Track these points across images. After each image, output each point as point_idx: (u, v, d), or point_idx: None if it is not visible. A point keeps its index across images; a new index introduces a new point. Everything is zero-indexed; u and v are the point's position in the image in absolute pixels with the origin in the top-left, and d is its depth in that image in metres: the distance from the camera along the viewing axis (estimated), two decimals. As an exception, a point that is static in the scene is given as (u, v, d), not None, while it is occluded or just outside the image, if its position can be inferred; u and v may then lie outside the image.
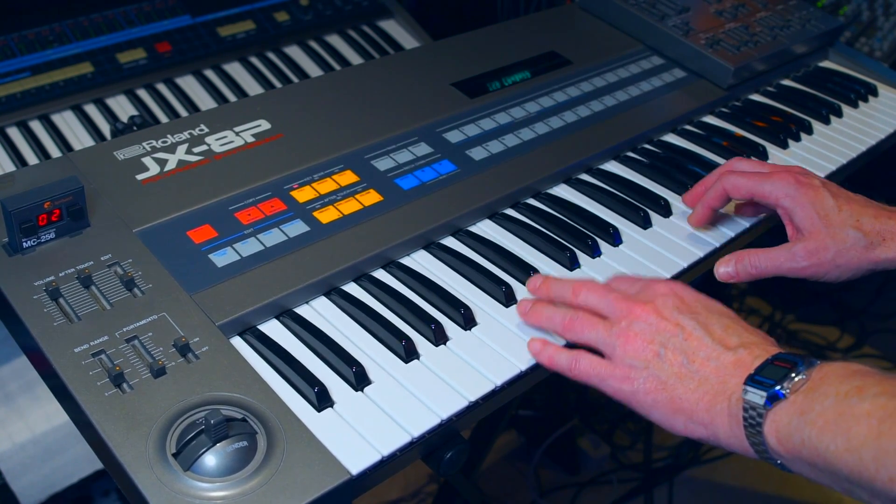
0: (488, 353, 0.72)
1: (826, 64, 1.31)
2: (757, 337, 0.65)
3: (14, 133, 1.13)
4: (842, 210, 0.81)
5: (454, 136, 0.94)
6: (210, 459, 0.57)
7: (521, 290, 0.79)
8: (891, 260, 0.81)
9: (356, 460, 0.60)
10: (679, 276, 0.85)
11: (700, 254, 0.87)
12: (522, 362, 0.71)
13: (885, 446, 0.52)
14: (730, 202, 0.88)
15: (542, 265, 0.82)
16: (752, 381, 0.60)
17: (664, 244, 0.87)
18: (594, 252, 0.84)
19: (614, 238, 0.86)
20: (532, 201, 0.91)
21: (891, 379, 0.56)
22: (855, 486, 0.55)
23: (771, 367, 0.60)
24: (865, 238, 0.80)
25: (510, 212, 0.89)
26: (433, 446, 0.66)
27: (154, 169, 0.82)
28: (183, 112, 1.20)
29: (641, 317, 0.66)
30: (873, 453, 0.52)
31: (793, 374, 0.59)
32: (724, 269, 0.83)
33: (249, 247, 0.75)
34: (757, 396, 0.59)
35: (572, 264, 0.82)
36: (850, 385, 0.56)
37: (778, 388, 0.58)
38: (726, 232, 0.90)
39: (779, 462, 0.60)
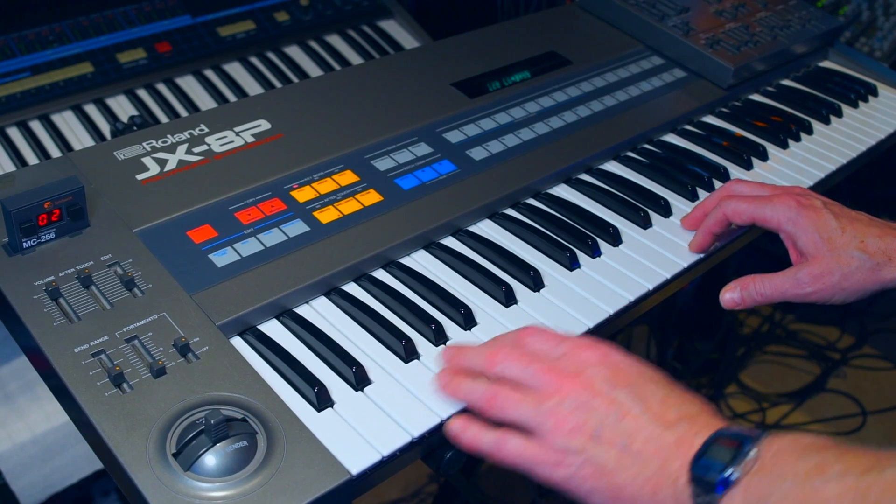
0: (488, 353, 0.72)
1: (826, 64, 1.31)
2: (697, 407, 0.59)
3: (14, 133, 1.13)
4: (845, 231, 0.79)
5: (454, 136, 0.94)
6: (210, 459, 0.57)
7: (521, 291, 0.79)
8: None
9: (356, 460, 0.60)
10: (679, 276, 0.85)
11: (701, 254, 0.87)
12: (522, 362, 0.71)
13: None
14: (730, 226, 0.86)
15: (542, 265, 0.82)
16: (698, 464, 0.54)
17: (664, 244, 0.87)
18: (594, 252, 0.84)
19: (614, 238, 0.86)
20: (532, 201, 0.91)
21: (850, 451, 0.51)
22: None
23: (715, 446, 0.55)
24: (871, 259, 0.79)
25: (510, 212, 0.89)
26: (433, 446, 0.66)
27: (154, 169, 0.82)
28: (183, 112, 1.20)
29: (572, 393, 0.59)
30: None
31: (741, 454, 0.53)
32: (729, 296, 0.82)
33: (249, 247, 0.75)
34: (705, 482, 0.53)
35: (572, 264, 0.82)
36: (809, 463, 0.51)
37: (728, 472, 0.53)
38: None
39: None
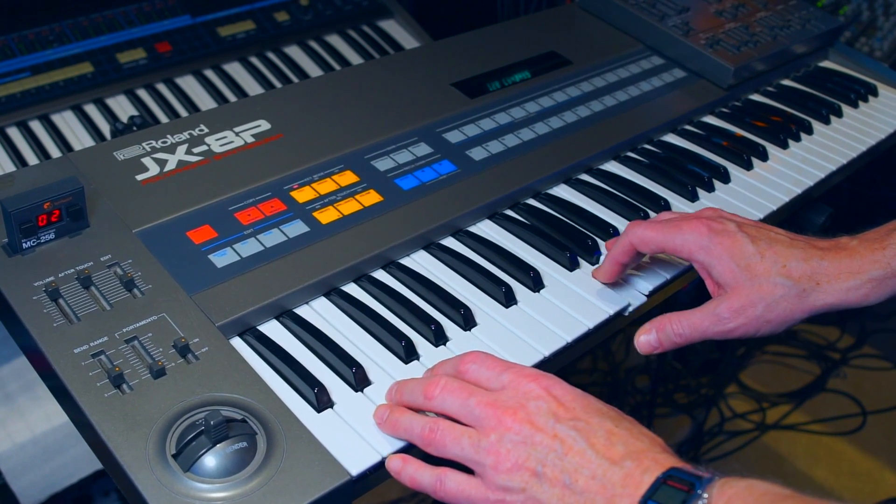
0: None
1: (826, 64, 1.31)
2: (644, 443, 0.56)
3: (14, 133, 1.13)
4: (764, 256, 0.72)
5: (454, 137, 0.94)
6: (210, 460, 0.57)
7: (520, 291, 0.79)
8: (829, 305, 0.73)
9: (356, 461, 0.60)
10: (680, 276, 0.85)
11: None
12: (522, 363, 0.71)
13: None
14: (644, 256, 0.80)
15: (542, 265, 0.82)
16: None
17: (664, 244, 0.87)
18: (594, 252, 0.84)
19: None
20: (532, 201, 0.91)
21: (804, 500, 0.50)
22: None
23: (665, 487, 0.52)
24: (796, 285, 0.71)
25: (510, 212, 0.89)
26: (433, 447, 0.66)
27: (154, 169, 0.82)
28: (183, 112, 1.20)
29: (513, 428, 0.57)
30: None
31: (691, 498, 0.51)
32: (644, 339, 0.74)
33: (249, 247, 0.75)
34: None
35: (572, 264, 0.82)
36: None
37: None
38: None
39: None
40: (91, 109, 1.18)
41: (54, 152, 1.11)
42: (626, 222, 0.90)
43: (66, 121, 1.16)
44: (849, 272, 0.73)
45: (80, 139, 1.14)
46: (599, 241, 0.86)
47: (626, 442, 0.56)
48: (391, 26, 1.44)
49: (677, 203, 0.94)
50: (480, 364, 0.62)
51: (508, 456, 0.56)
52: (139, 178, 0.80)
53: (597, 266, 0.82)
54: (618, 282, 0.81)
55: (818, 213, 1.06)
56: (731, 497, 0.51)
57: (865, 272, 0.72)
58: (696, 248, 0.74)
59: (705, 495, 0.51)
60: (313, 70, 1.32)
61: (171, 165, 0.82)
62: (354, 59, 1.36)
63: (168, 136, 0.86)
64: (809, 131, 1.12)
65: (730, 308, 0.72)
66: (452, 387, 0.61)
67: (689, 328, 0.73)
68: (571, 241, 0.85)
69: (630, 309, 0.80)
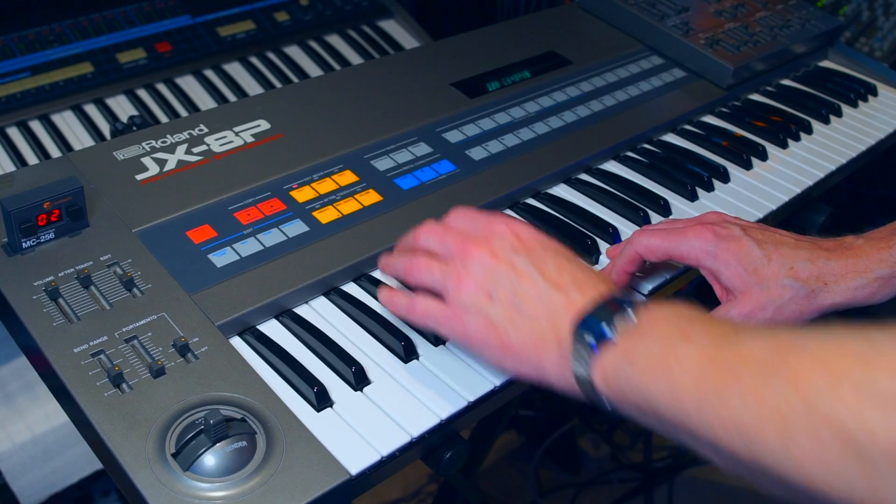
0: (488, 353, 0.72)
1: (826, 64, 1.31)
2: (590, 277, 0.63)
3: (14, 133, 1.13)
4: (772, 259, 0.73)
5: (454, 136, 0.94)
6: (209, 459, 0.57)
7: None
8: (837, 304, 0.74)
9: (356, 460, 0.60)
10: (680, 276, 0.85)
11: None
12: (522, 362, 0.71)
13: (704, 391, 0.51)
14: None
15: (542, 265, 0.82)
16: (581, 323, 0.58)
17: (664, 244, 0.87)
18: (593, 252, 0.84)
19: (614, 238, 0.86)
20: (531, 201, 0.91)
21: (717, 324, 0.54)
22: (679, 431, 0.53)
23: (601, 309, 0.59)
24: (805, 286, 0.72)
25: (509, 211, 0.89)
26: (433, 446, 0.66)
27: (154, 169, 0.82)
28: (183, 112, 1.20)
29: (476, 257, 0.64)
30: (693, 398, 0.51)
31: (621, 316, 0.57)
32: None
33: (249, 247, 0.75)
34: (584, 338, 0.58)
35: (572, 264, 0.82)
36: (677, 328, 0.55)
37: (605, 329, 0.57)
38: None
39: (609, 406, 0.58)
40: (91, 109, 1.18)
41: (54, 152, 1.11)
42: (626, 222, 0.90)
43: (66, 121, 1.16)
44: (855, 271, 0.74)
45: (80, 139, 1.14)
46: (599, 240, 0.86)
47: (574, 274, 0.63)
48: (391, 26, 1.44)
49: (677, 203, 0.94)
50: (461, 213, 0.70)
51: (468, 279, 0.64)
52: (139, 177, 0.81)
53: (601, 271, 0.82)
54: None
55: (818, 213, 1.06)
56: (656, 316, 0.57)
57: (872, 271, 0.74)
58: (704, 254, 0.75)
59: (634, 315, 0.57)
60: (313, 70, 1.32)
61: (170, 165, 0.83)
62: (354, 59, 1.36)
63: (168, 136, 0.86)
64: (809, 131, 1.12)
65: (740, 313, 0.73)
66: (435, 228, 0.69)
67: None
68: (571, 240, 0.85)
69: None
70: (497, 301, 0.62)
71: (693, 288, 0.87)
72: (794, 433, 0.46)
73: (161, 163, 0.83)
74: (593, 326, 0.58)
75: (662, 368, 0.53)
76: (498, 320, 0.62)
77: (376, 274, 0.79)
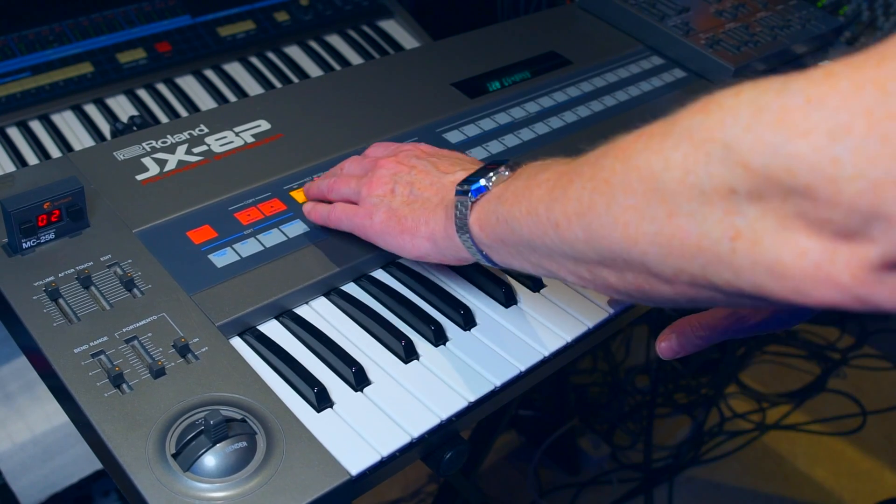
0: (488, 353, 0.72)
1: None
2: (478, 164, 0.71)
3: (14, 133, 1.13)
4: None
5: (454, 136, 0.94)
6: (209, 460, 0.57)
7: (520, 291, 0.79)
8: None
9: (356, 461, 0.60)
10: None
11: None
12: (522, 363, 0.71)
13: (554, 195, 0.55)
14: None
15: (542, 265, 0.82)
16: (462, 182, 0.65)
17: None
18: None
19: (614, 238, 0.86)
20: (532, 201, 0.91)
21: (577, 158, 0.58)
22: (538, 253, 0.58)
23: (480, 171, 0.66)
24: None
25: (510, 212, 0.89)
26: (433, 446, 0.66)
27: (154, 169, 0.82)
28: (183, 112, 1.20)
29: (384, 165, 0.74)
30: (545, 204, 0.56)
31: (497, 173, 0.64)
32: (665, 345, 0.74)
33: (249, 247, 0.75)
34: (463, 193, 0.65)
35: (572, 264, 0.82)
36: (542, 165, 0.61)
37: (482, 183, 0.64)
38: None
39: (483, 254, 0.65)
40: (91, 109, 1.18)
41: (54, 152, 1.11)
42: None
43: (66, 121, 1.16)
44: None
45: (80, 139, 1.14)
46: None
47: (465, 164, 0.73)
48: (391, 26, 1.44)
49: (677, 203, 0.94)
50: (378, 144, 0.82)
51: (376, 182, 0.73)
52: (139, 178, 0.81)
53: None
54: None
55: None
56: (526, 167, 0.63)
57: None
58: None
59: (507, 171, 0.64)
60: (313, 70, 1.32)
61: (171, 165, 0.83)
62: (354, 59, 1.36)
63: (168, 136, 0.86)
64: (809, 131, 1.12)
65: None
66: (354, 158, 0.80)
67: (710, 330, 0.72)
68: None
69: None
70: (398, 194, 0.72)
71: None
72: (615, 193, 0.50)
73: (161, 163, 0.83)
74: (472, 183, 0.65)
75: (525, 193, 0.59)
76: (397, 207, 0.71)
77: (377, 274, 0.79)
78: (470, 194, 0.64)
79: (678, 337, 0.73)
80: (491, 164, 0.66)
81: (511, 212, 0.60)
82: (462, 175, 0.69)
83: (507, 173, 0.64)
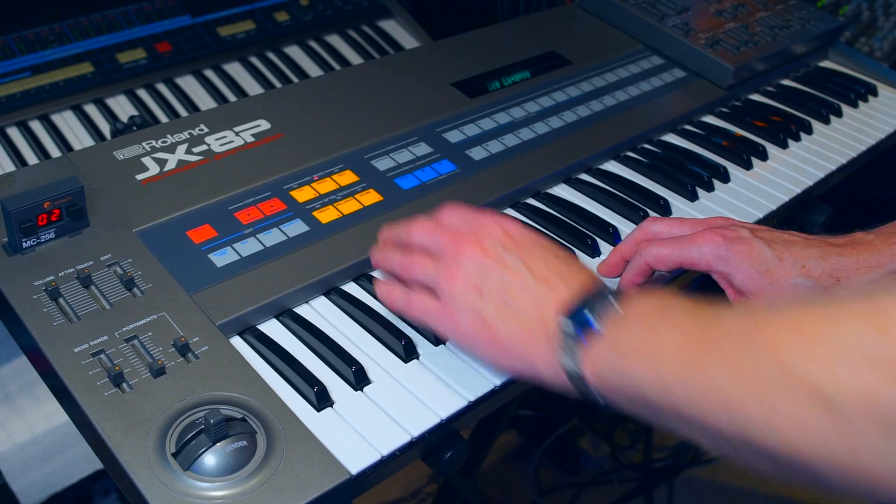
0: (488, 352, 0.72)
1: (826, 64, 1.31)
2: (575, 271, 0.64)
3: (14, 133, 1.13)
4: (783, 259, 0.72)
5: (454, 136, 0.94)
6: (209, 459, 0.57)
7: (520, 290, 0.79)
8: None
9: (356, 460, 0.60)
10: (679, 276, 0.85)
11: None
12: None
13: (688, 369, 0.51)
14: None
15: (542, 265, 0.82)
16: (568, 315, 0.60)
17: (664, 244, 0.87)
18: (594, 252, 0.84)
19: (614, 238, 0.86)
20: (532, 201, 0.91)
21: (698, 307, 0.55)
22: (667, 416, 0.54)
23: (586, 300, 0.60)
24: (817, 284, 0.72)
25: (510, 212, 0.89)
26: (433, 446, 0.66)
27: (154, 169, 0.82)
28: (183, 112, 1.20)
29: (467, 254, 0.65)
30: (678, 378, 0.52)
31: (606, 307, 0.59)
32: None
33: (249, 247, 0.75)
34: (571, 329, 0.59)
35: (572, 264, 0.82)
36: (660, 314, 0.56)
37: (591, 318, 0.58)
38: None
39: (601, 400, 0.59)
40: (91, 109, 1.18)
41: (54, 152, 1.11)
42: (626, 222, 0.90)
43: (66, 121, 1.16)
44: (867, 266, 0.73)
45: (80, 139, 1.14)
46: (599, 240, 0.86)
47: (560, 268, 0.64)
48: (391, 26, 1.44)
49: (677, 203, 0.94)
50: (453, 211, 0.71)
51: (460, 276, 0.65)
52: (139, 177, 0.81)
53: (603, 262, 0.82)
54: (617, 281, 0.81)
55: (818, 213, 1.06)
56: (640, 305, 0.58)
57: (884, 265, 0.73)
58: (714, 258, 0.74)
59: (617, 304, 0.59)
60: (313, 70, 1.32)
61: (171, 165, 0.83)
62: (354, 59, 1.36)
63: (168, 135, 0.86)
64: (809, 131, 1.12)
65: None
66: (428, 226, 0.70)
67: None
68: (571, 240, 0.85)
69: None
70: (487, 297, 0.63)
71: (694, 288, 0.87)
72: (772, 399, 0.46)
73: (161, 163, 0.83)
74: (579, 317, 0.59)
75: (648, 354, 0.54)
76: (488, 315, 0.63)
77: (376, 273, 0.79)
78: (578, 337, 0.58)
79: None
80: (597, 291, 0.60)
81: (634, 372, 0.55)
82: (563, 292, 0.62)
83: (617, 307, 0.58)
